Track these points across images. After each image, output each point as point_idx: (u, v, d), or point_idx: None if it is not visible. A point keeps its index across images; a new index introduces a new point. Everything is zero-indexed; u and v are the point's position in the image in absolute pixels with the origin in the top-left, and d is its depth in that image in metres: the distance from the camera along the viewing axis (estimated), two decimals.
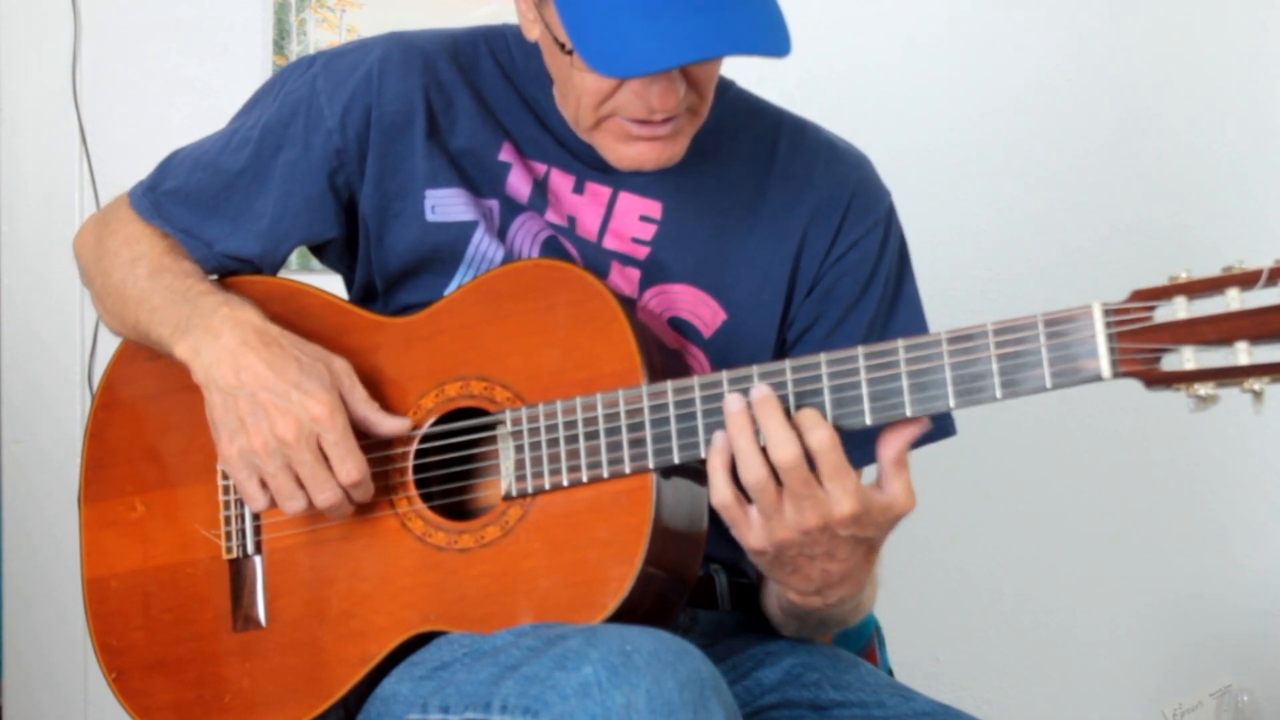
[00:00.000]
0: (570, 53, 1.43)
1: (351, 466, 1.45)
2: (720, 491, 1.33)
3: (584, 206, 1.59)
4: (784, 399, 1.33)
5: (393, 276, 1.61)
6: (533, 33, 1.53)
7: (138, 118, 2.82)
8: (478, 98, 1.60)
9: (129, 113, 2.83)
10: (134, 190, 1.68)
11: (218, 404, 1.48)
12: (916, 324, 1.63)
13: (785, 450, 1.29)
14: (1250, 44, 2.77)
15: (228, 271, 1.63)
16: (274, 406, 1.44)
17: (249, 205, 1.61)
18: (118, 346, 1.66)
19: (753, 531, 1.33)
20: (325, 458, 1.45)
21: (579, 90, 1.48)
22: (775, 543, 1.33)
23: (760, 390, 1.32)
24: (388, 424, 1.48)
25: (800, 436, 1.29)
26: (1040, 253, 2.76)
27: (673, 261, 1.58)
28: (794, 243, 1.60)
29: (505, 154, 1.60)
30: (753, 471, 1.30)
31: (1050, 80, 2.76)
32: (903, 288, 1.64)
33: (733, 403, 1.32)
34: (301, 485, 1.45)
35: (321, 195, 1.60)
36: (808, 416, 1.30)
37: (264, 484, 1.47)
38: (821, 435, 1.29)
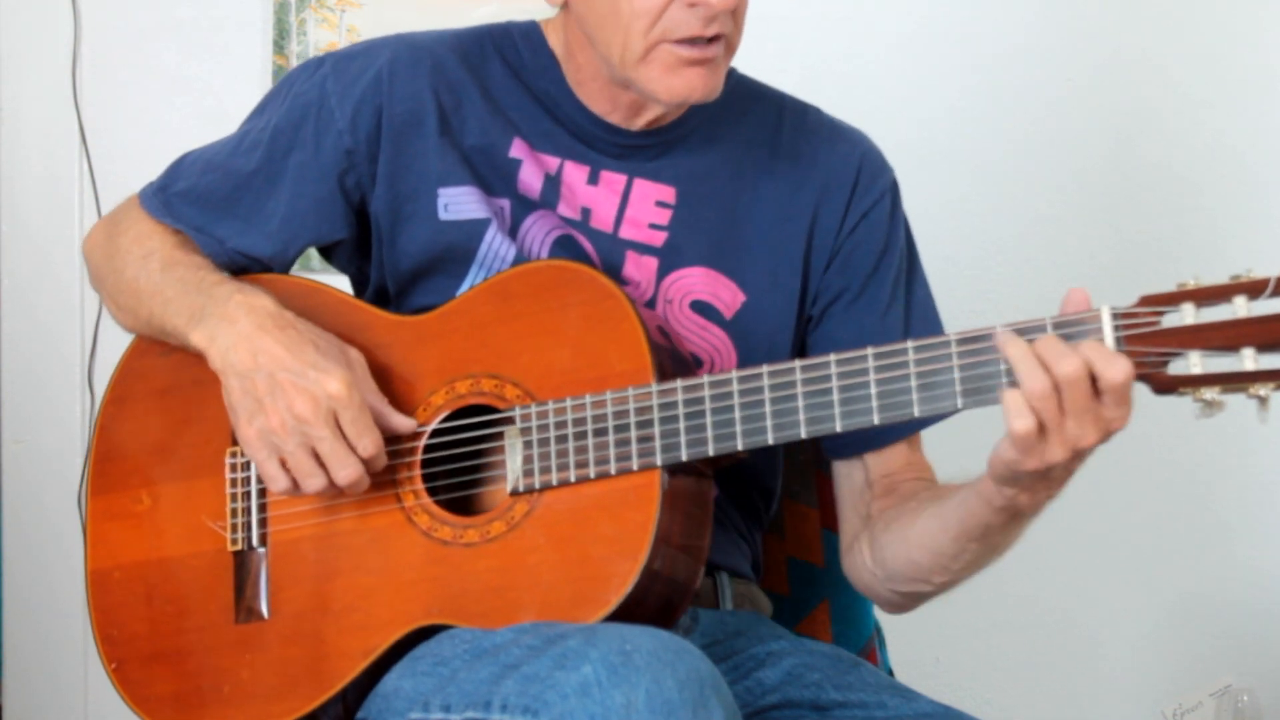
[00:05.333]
0: None
1: (369, 442, 1.45)
2: (1025, 418, 1.26)
3: (599, 197, 1.60)
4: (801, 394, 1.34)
5: (405, 278, 1.61)
6: None
7: (138, 118, 2.82)
8: (486, 96, 1.61)
9: (129, 113, 2.83)
10: (144, 191, 1.68)
11: (235, 388, 1.48)
12: (930, 304, 1.66)
13: (1067, 364, 1.24)
14: (1258, 44, 2.77)
15: (238, 269, 1.63)
16: (291, 386, 1.45)
17: (260, 206, 1.62)
18: (130, 342, 1.66)
19: (1032, 456, 1.28)
20: (343, 435, 1.45)
21: (630, 15, 1.48)
22: (1050, 462, 1.29)
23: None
24: (396, 419, 1.49)
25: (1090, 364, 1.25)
26: (1040, 252, 2.76)
27: (689, 245, 1.59)
28: (805, 221, 1.61)
29: (516, 150, 1.60)
30: (1038, 381, 1.25)
31: (1052, 80, 2.77)
32: (915, 263, 1.67)
33: (1002, 333, 1.28)
34: (321, 463, 1.46)
35: (331, 196, 1.61)
36: (1098, 350, 1.25)
37: (284, 464, 1.47)
38: (1122, 367, 1.24)
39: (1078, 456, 1.30)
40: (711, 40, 1.49)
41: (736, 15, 1.50)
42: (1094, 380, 1.25)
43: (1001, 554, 1.49)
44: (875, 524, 1.58)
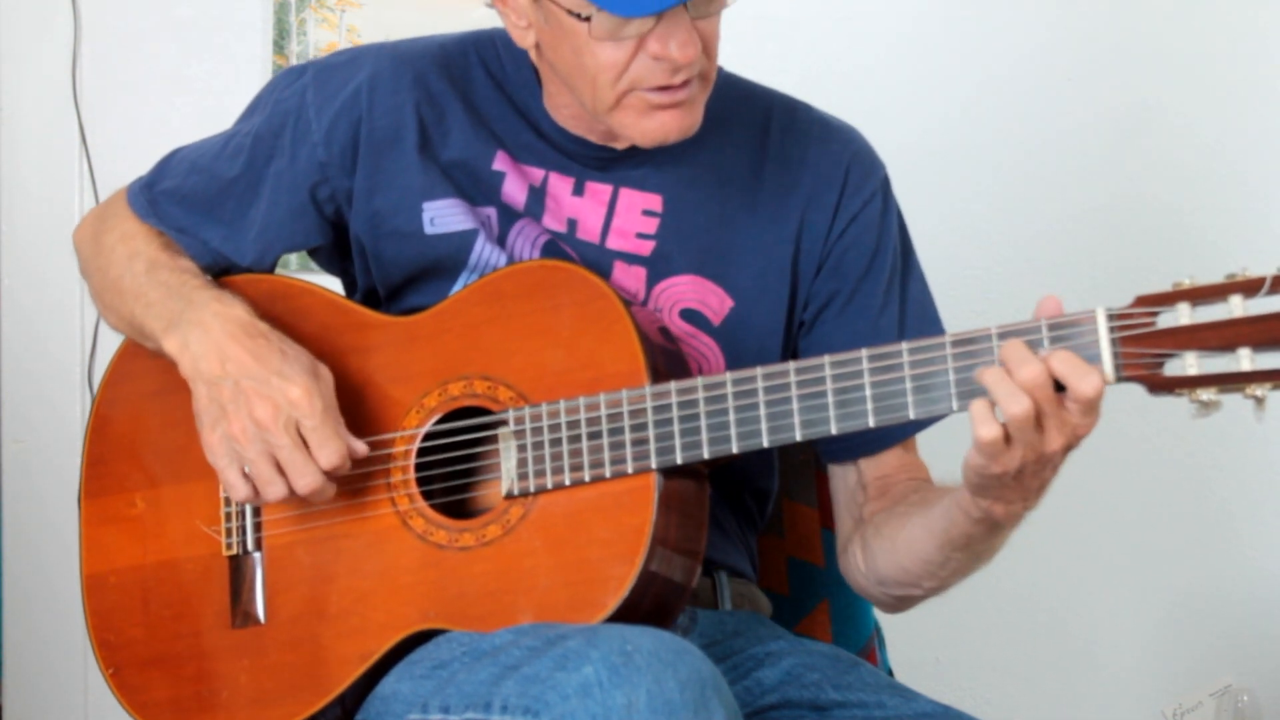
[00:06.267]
0: (588, 19, 1.42)
1: (330, 451, 1.45)
2: (990, 426, 1.26)
3: (585, 208, 1.59)
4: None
5: (395, 286, 1.61)
6: (526, 39, 1.52)
7: (138, 118, 2.82)
8: (469, 109, 1.60)
9: (129, 113, 2.83)
10: (132, 187, 1.68)
11: (202, 394, 1.49)
12: (926, 299, 1.64)
13: (1028, 370, 1.24)
14: (1259, 44, 2.77)
15: (221, 270, 1.63)
16: (254, 392, 1.45)
17: (244, 213, 1.62)
18: (121, 343, 1.66)
19: (1000, 461, 1.29)
20: (306, 443, 1.45)
21: (595, 69, 1.45)
22: (1015, 464, 1.29)
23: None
24: (352, 444, 1.47)
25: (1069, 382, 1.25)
26: (1040, 252, 2.76)
27: (677, 253, 1.58)
28: (794, 224, 1.60)
29: (499, 163, 1.59)
30: (1019, 404, 1.25)
31: (1053, 80, 2.76)
32: (910, 259, 1.65)
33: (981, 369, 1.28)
34: (281, 471, 1.46)
35: (303, 206, 1.61)
36: (1071, 360, 1.25)
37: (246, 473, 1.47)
38: (1093, 382, 1.24)
39: (1046, 463, 1.30)
40: (685, 82, 1.46)
41: (708, 50, 1.47)
42: (1063, 389, 1.25)
43: (987, 561, 1.49)
44: (867, 528, 1.57)
